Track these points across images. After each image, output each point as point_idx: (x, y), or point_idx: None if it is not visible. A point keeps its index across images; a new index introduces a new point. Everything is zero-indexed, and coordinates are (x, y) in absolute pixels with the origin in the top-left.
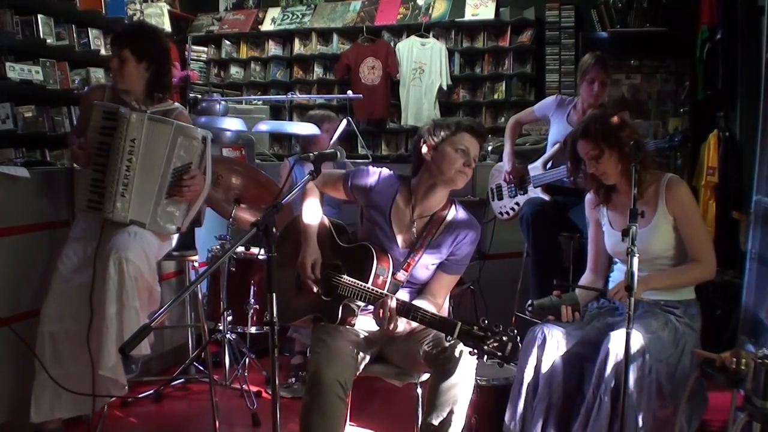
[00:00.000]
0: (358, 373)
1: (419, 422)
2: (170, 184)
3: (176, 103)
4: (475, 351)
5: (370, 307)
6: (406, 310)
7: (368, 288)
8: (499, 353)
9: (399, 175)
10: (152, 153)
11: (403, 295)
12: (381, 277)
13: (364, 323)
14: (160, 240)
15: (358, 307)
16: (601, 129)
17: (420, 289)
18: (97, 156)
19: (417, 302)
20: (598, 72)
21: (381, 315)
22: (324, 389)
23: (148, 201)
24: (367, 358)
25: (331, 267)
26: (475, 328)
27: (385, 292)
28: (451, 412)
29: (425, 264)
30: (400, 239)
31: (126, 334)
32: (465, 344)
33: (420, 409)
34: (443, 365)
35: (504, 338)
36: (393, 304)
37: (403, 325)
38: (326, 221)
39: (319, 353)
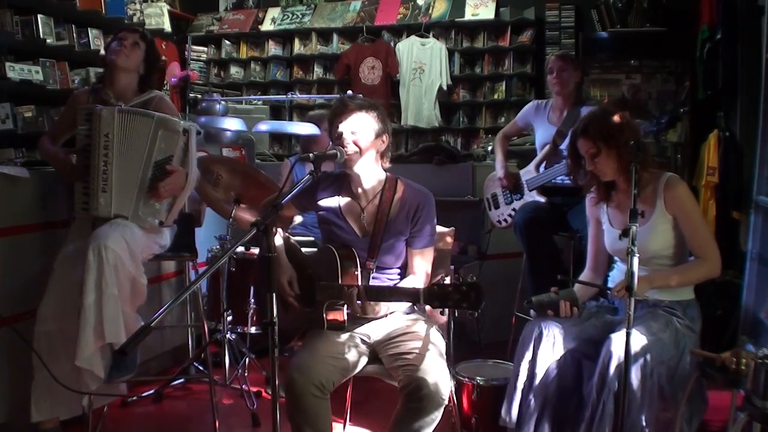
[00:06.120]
0: (351, 374)
1: None
2: (152, 178)
3: (155, 91)
4: (445, 310)
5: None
6: (373, 293)
7: (341, 285)
8: (464, 303)
9: (332, 173)
10: (130, 146)
11: (379, 281)
12: (350, 271)
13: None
14: (146, 233)
15: (342, 305)
16: (599, 128)
17: (396, 271)
18: (84, 159)
19: (400, 284)
20: (555, 61)
21: (353, 305)
22: (298, 393)
23: (129, 194)
24: (363, 358)
25: (305, 278)
26: (436, 288)
27: (358, 284)
28: None
29: (390, 246)
30: (357, 230)
31: (106, 322)
32: (433, 307)
33: None
34: (411, 402)
35: (464, 288)
36: (358, 292)
37: (381, 309)
38: (291, 239)
39: (297, 359)
